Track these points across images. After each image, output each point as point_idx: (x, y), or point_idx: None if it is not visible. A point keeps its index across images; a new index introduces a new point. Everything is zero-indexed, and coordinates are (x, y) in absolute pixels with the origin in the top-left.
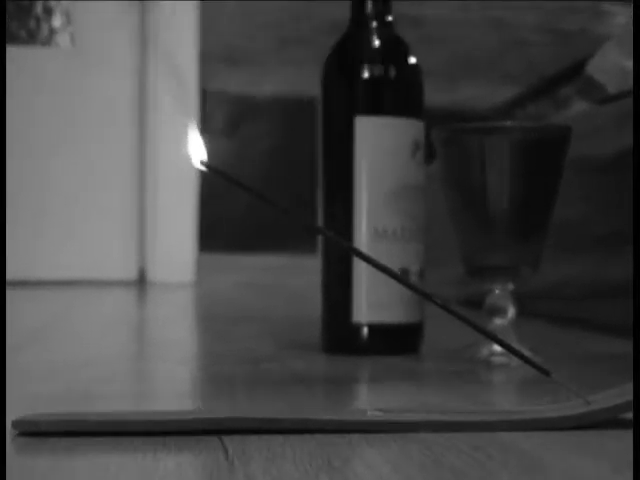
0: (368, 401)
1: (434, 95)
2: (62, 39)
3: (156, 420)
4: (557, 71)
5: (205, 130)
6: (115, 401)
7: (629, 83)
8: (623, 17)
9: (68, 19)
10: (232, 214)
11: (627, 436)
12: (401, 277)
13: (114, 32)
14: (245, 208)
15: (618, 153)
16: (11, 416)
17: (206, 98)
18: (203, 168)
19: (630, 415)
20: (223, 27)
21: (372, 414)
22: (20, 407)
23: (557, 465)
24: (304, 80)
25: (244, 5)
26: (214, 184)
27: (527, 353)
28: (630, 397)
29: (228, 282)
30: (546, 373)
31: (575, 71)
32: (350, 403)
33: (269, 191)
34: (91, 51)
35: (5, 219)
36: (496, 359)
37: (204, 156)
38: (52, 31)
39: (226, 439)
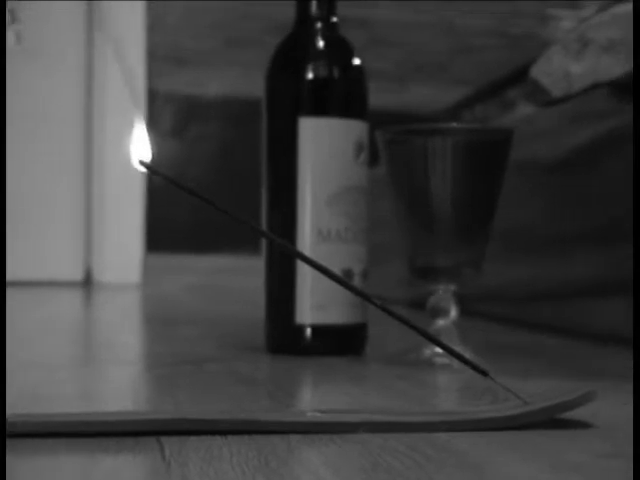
0: (310, 402)
1: (384, 97)
2: (7, 37)
3: (95, 421)
4: (504, 74)
5: (152, 130)
6: (57, 402)
7: (573, 86)
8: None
9: (13, 17)
10: (180, 215)
11: (565, 436)
12: (342, 278)
13: (60, 30)
14: (193, 209)
15: (563, 155)
16: None
17: (154, 98)
18: (144, 169)
19: (567, 415)
20: (170, 27)
21: (311, 415)
22: None
23: (494, 465)
24: (251, 81)
25: (191, 5)
26: (162, 184)
27: (468, 354)
28: (567, 397)
29: (175, 283)
30: (484, 374)
31: (521, 74)
32: (292, 404)
33: (216, 192)
34: (37, 49)
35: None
36: (438, 360)
37: (147, 157)
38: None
39: (164, 440)
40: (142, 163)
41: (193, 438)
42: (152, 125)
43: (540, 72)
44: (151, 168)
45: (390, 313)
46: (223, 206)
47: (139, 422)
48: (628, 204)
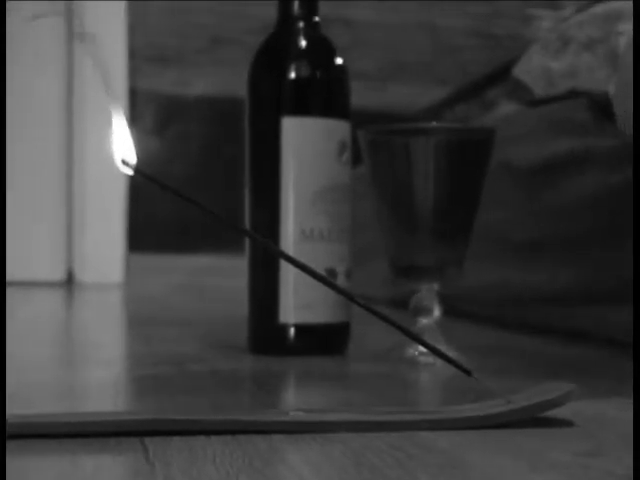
0: (293, 402)
1: (365, 96)
2: None
3: (77, 422)
4: (485, 73)
5: (134, 129)
6: (37, 403)
7: (554, 85)
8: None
9: None
10: (163, 214)
11: (546, 435)
12: (325, 278)
13: (40, 30)
14: (176, 208)
15: (538, 162)
16: None
17: (135, 97)
18: (128, 170)
19: (549, 414)
20: (152, 25)
21: (294, 414)
22: None
23: (477, 464)
24: (234, 80)
25: (174, 4)
26: (144, 183)
27: (452, 353)
28: (549, 396)
29: (158, 283)
30: (468, 373)
31: (502, 74)
32: (275, 404)
33: (198, 191)
34: (17, 49)
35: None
36: (422, 359)
37: (131, 157)
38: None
39: (147, 440)
40: (125, 163)
41: (176, 439)
42: (134, 124)
43: (521, 71)
44: (135, 168)
45: (374, 312)
46: (207, 206)
47: (122, 422)
48: (596, 218)
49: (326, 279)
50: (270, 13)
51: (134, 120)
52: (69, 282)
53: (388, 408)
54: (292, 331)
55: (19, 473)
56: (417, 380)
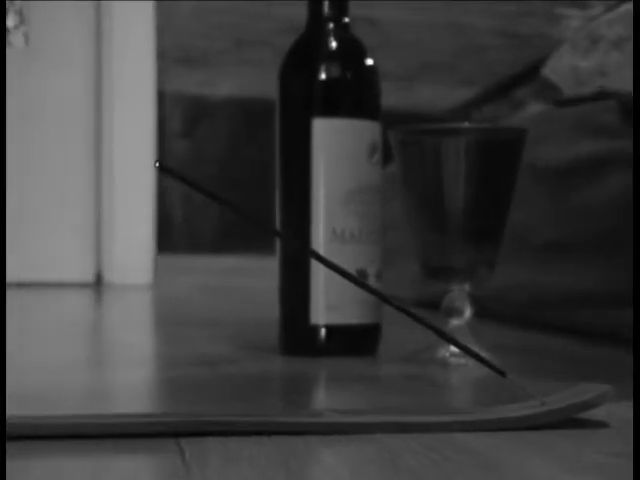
0: (325, 403)
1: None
2: (16, 39)
3: (112, 423)
4: (513, 73)
5: (162, 131)
6: (71, 404)
7: (583, 84)
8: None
9: (22, 19)
10: (192, 215)
11: (581, 436)
12: (358, 279)
13: (69, 30)
14: (205, 209)
15: (568, 161)
16: None
17: (164, 99)
18: (161, 172)
19: (583, 415)
20: (179, 27)
21: (329, 415)
22: None
23: (512, 465)
24: (260, 81)
25: (200, 5)
26: (173, 184)
27: (484, 354)
28: (584, 397)
29: (186, 284)
30: (502, 374)
31: (530, 73)
32: (307, 405)
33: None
34: (46, 50)
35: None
36: (453, 360)
37: (163, 159)
38: (6, 31)
39: (183, 442)
40: (159, 165)
41: (211, 439)
42: (163, 126)
43: (550, 70)
44: (168, 170)
45: (408, 313)
46: (242, 208)
47: (157, 423)
48: (621, 220)
49: (359, 280)
50: (295, 14)
51: (163, 122)
52: (98, 283)
53: (422, 409)
54: (323, 332)
55: (55, 473)
56: (449, 381)
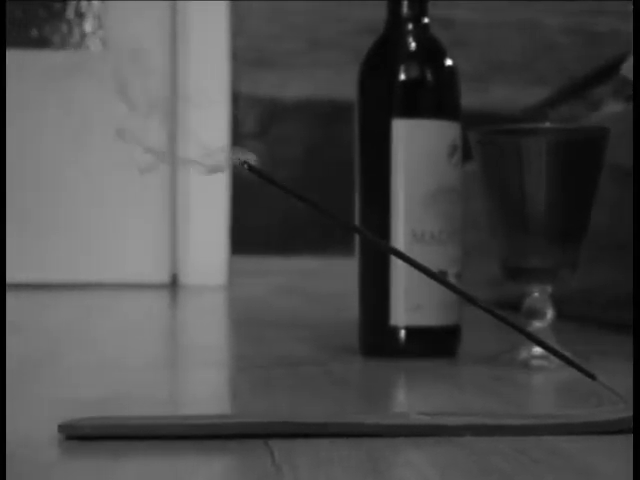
0: (407, 404)
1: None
2: (93, 43)
3: (200, 424)
4: (589, 72)
5: (236, 132)
6: (153, 405)
7: None
8: None
9: (100, 23)
10: (265, 216)
11: None
12: (443, 278)
13: (145, 34)
14: (278, 210)
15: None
16: (56, 420)
17: (238, 101)
18: (251, 172)
19: None
20: (253, 28)
21: (416, 417)
22: (63, 411)
23: (602, 469)
24: (334, 82)
25: (274, 6)
26: (247, 185)
27: (570, 356)
28: None
29: (261, 285)
30: (592, 377)
31: (607, 72)
32: (390, 406)
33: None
34: (122, 54)
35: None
36: (535, 362)
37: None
38: (83, 35)
39: (272, 443)
40: (247, 165)
41: (300, 441)
42: (236, 127)
43: (629, 69)
44: (257, 171)
45: (496, 315)
46: (325, 208)
47: (246, 425)
48: None
49: (447, 281)
50: (367, 15)
51: (237, 124)
52: (173, 284)
53: (509, 412)
54: (403, 333)
55: (147, 473)
56: (531, 383)
